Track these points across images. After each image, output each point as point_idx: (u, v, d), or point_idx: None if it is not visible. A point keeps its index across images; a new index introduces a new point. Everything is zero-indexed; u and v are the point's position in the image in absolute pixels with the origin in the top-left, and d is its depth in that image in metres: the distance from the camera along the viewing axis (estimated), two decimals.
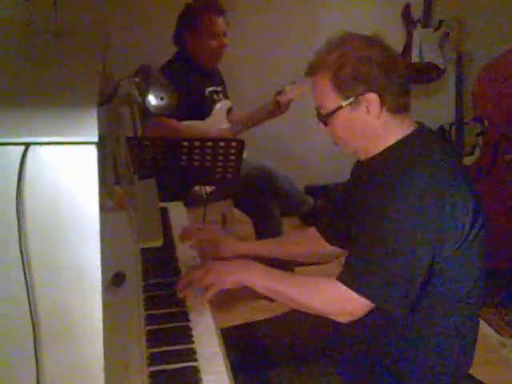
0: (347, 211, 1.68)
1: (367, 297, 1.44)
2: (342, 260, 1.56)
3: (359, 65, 1.47)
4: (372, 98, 1.48)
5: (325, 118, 1.54)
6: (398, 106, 1.51)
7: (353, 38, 1.53)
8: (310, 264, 2.17)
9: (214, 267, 1.62)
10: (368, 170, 1.60)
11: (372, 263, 1.44)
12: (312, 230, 1.88)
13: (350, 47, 1.50)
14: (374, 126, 1.52)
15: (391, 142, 1.53)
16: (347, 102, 1.50)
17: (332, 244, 1.83)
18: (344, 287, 1.46)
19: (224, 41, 3.10)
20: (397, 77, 1.50)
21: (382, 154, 1.55)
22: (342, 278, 1.47)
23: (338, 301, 1.49)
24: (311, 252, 1.88)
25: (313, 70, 1.54)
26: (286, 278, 1.59)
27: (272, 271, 1.61)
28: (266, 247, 1.94)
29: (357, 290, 1.44)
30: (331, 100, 1.51)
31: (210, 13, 3.05)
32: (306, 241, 1.89)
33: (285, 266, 3.11)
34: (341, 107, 1.50)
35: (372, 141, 1.55)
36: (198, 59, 3.11)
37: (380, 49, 1.50)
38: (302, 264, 2.78)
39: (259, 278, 1.56)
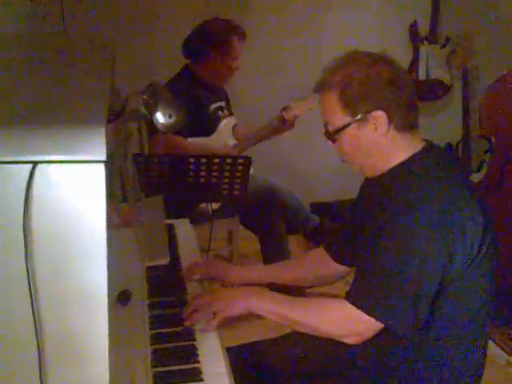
0: (355, 229, 1.67)
1: (376, 317, 1.43)
2: (350, 279, 1.55)
3: (366, 82, 1.47)
4: (379, 115, 1.48)
5: (332, 135, 1.55)
6: (405, 123, 1.51)
7: (360, 55, 1.54)
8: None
9: (222, 294, 1.62)
10: (377, 188, 1.59)
11: (381, 283, 1.43)
12: (318, 251, 1.87)
13: (357, 65, 1.50)
14: (381, 144, 1.52)
15: (400, 159, 1.53)
16: (354, 120, 1.50)
17: (340, 263, 1.80)
18: (353, 308, 1.44)
19: (238, 63, 3.13)
20: (404, 94, 1.50)
21: (391, 171, 1.54)
22: (350, 299, 1.46)
23: (346, 322, 1.48)
24: (317, 274, 1.86)
25: (321, 87, 1.54)
26: (293, 302, 1.58)
27: (279, 297, 1.60)
28: (272, 273, 1.92)
29: (366, 310, 1.43)
30: (339, 117, 1.52)
31: (236, 36, 3.08)
32: (312, 263, 1.87)
33: (296, 289, 3.12)
34: (348, 124, 1.51)
35: (379, 158, 1.54)
36: (210, 76, 3.12)
37: (387, 66, 1.50)
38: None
39: (267, 305, 1.56)
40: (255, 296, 1.59)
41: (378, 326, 1.44)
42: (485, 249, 1.45)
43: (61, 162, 0.89)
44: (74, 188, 0.91)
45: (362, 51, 1.55)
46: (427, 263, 1.40)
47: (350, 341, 1.48)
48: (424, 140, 1.57)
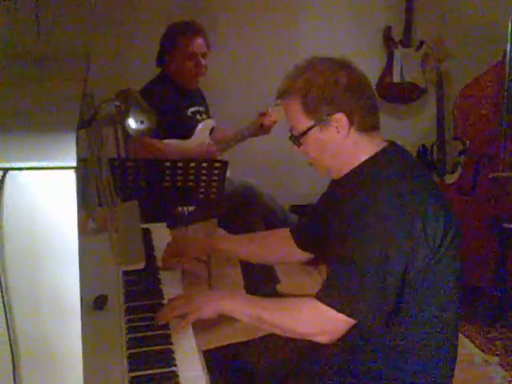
0: (320, 224, 1.74)
1: (346, 313, 1.46)
2: (322, 272, 1.59)
3: (326, 87, 1.53)
4: (340, 118, 1.53)
5: (297, 139, 1.60)
6: (366, 124, 1.57)
7: (320, 61, 1.59)
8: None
9: (195, 296, 1.63)
10: (341, 189, 1.65)
11: (347, 280, 1.47)
12: (284, 232, 1.93)
13: (317, 70, 1.56)
14: (344, 145, 1.57)
15: (362, 160, 1.58)
16: (317, 123, 1.55)
17: (302, 249, 1.88)
18: (323, 306, 1.48)
19: (202, 62, 3.12)
20: (363, 97, 1.56)
21: (352, 171, 1.59)
22: (320, 297, 1.49)
23: (318, 321, 1.51)
24: (279, 253, 1.95)
25: (283, 94, 1.60)
26: (265, 304, 1.60)
27: (252, 299, 1.66)
28: (240, 245, 1.98)
29: (336, 307, 1.47)
30: (302, 122, 1.57)
31: (187, 34, 3.08)
32: (277, 242, 1.95)
33: (268, 283, 3.14)
34: (311, 128, 1.56)
35: (343, 159, 1.59)
36: (178, 80, 3.13)
37: (346, 71, 1.56)
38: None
39: (239, 307, 1.58)
40: (228, 298, 1.60)
41: (349, 322, 1.47)
42: (446, 245, 1.49)
43: (31, 168, 0.89)
44: (45, 194, 0.91)
45: (321, 57, 1.60)
46: (390, 259, 1.44)
47: (322, 339, 1.51)
48: (386, 140, 1.62)
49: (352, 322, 1.47)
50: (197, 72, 3.13)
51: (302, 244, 1.88)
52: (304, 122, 1.57)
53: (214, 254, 2.85)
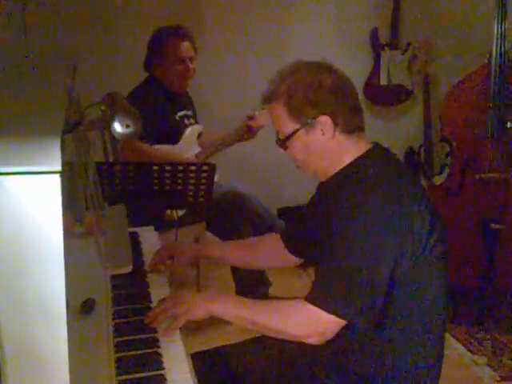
0: (309, 227, 1.75)
1: (337, 314, 1.47)
2: (312, 274, 1.59)
3: (310, 90, 1.55)
4: (325, 120, 1.55)
5: (283, 142, 1.62)
6: (351, 126, 1.59)
7: (303, 65, 1.61)
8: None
9: (185, 297, 1.63)
10: (327, 190, 1.67)
11: (336, 281, 1.48)
12: (274, 237, 1.94)
13: (300, 74, 1.58)
14: (329, 147, 1.59)
15: (347, 161, 1.60)
16: (302, 126, 1.57)
17: (292, 254, 1.89)
18: (314, 308, 1.48)
19: (190, 66, 3.12)
20: (347, 99, 1.58)
21: (338, 173, 1.61)
22: (310, 299, 1.50)
23: (309, 323, 1.51)
24: (273, 258, 1.95)
25: (268, 99, 1.62)
26: (256, 306, 1.62)
27: (242, 300, 1.66)
28: (230, 252, 1.99)
29: (326, 308, 1.47)
30: (287, 125, 1.59)
31: (174, 38, 3.09)
32: (267, 247, 1.95)
33: (259, 286, 3.15)
34: (296, 131, 1.58)
35: (329, 161, 1.61)
36: (166, 84, 3.13)
37: (329, 74, 1.58)
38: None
39: (229, 309, 1.58)
40: (218, 300, 1.61)
41: (340, 323, 1.48)
42: (432, 244, 1.51)
43: (16, 173, 0.89)
44: (30, 199, 0.91)
45: (305, 61, 1.62)
46: (377, 259, 1.46)
47: (313, 341, 1.51)
48: (372, 142, 1.64)
49: (342, 322, 1.48)
50: (185, 76, 3.13)
51: (292, 248, 1.88)
52: (289, 126, 1.58)
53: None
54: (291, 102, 1.56)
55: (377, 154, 1.62)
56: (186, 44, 3.10)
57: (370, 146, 1.62)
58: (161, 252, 1.95)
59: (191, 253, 2.01)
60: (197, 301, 1.62)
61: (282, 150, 1.64)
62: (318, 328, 1.50)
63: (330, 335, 1.50)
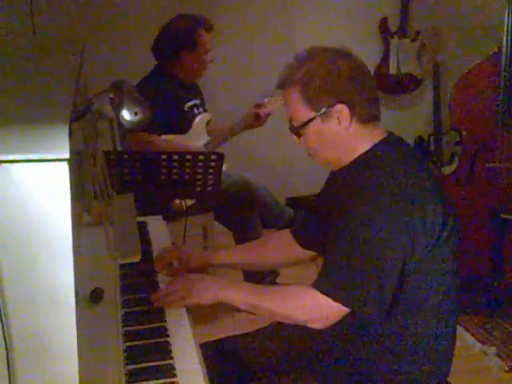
0: (321, 218, 1.72)
1: (343, 302, 1.46)
2: (319, 263, 1.58)
3: (327, 78, 1.51)
4: (341, 109, 1.52)
5: (297, 130, 1.58)
6: (367, 115, 1.55)
7: (321, 51, 1.57)
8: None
9: (194, 281, 1.64)
10: (341, 179, 1.64)
11: (345, 269, 1.47)
12: (284, 234, 1.91)
13: (318, 60, 1.53)
14: (344, 136, 1.55)
15: (362, 151, 1.57)
16: (318, 114, 1.53)
17: (305, 248, 1.86)
18: (319, 294, 1.48)
19: (210, 56, 3.13)
20: (365, 87, 1.54)
21: (353, 163, 1.58)
22: (317, 285, 1.50)
23: (313, 308, 1.52)
24: (283, 256, 1.92)
25: (283, 84, 1.58)
26: (262, 291, 1.63)
27: (249, 286, 1.67)
28: (239, 257, 1.96)
29: (332, 295, 1.47)
30: (302, 112, 1.55)
31: (204, 29, 3.07)
32: (278, 245, 1.92)
33: (267, 276, 3.15)
34: (312, 119, 1.54)
35: (344, 150, 1.58)
36: (179, 74, 3.11)
37: (347, 61, 1.53)
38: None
39: (237, 293, 1.59)
40: (225, 285, 1.62)
41: (344, 310, 1.48)
42: (445, 235, 1.49)
43: (24, 161, 0.89)
44: (38, 187, 0.91)
45: (322, 47, 1.58)
46: (389, 249, 1.44)
47: (315, 326, 1.52)
48: (386, 131, 1.61)
49: (347, 310, 1.47)
50: (205, 67, 3.14)
51: (304, 242, 1.86)
52: (305, 113, 1.54)
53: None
54: (308, 89, 1.51)
55: (391, 143, 1.59)
56: (211, 35, 3.10)
57: (384, 135, 1.59)
58: (169, 252, 1.90)
59: (199, 261, 1.92)
60: (206, 287, 1.62)
61: (294, 137, 1.60)
62: (322, 314, 1.50)
63: (333, 321, 1.50)
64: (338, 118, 1.52)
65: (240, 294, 1.59)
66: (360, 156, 1.57)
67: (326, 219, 1.66)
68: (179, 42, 3.07)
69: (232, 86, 3.98)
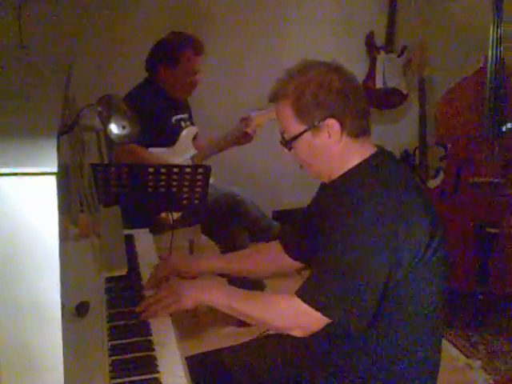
0: (310, 229, 1.73)
1: (323, 312, 1.47)
2: (305, 276, 1.59)
3: (318, 92, 1.52)
4: (332, 123, 1.53)
5: (288, 143, 1.59)
6: (357, 130, 1.56)
7: (312, 65, 1.58)
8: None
9: (175, 287, 1.65)
10: (330, 192, 1.65)
11: (328, 279, 1.48)
12: (273, 245, 1.92)
13: (309, 75, 1.54)
14: (335, 150, 1.56)
15: (352, 164, 1.58)
16: (309, 128, 1.54)
17: (294, 259, 1.87)
18: (301, 302, 1.49)
19: (197, 78, 3.12)
20: (356, 102, 1.55)
21: (342, 176, 1.60)
22: (299, 294, 1.51)
23: (294, 315, 1.53)
24: (271, 266, 1.93)
25: (275, 98, 1.59)
26: (244, 296, 1.63)
27: (232, 290, 1.69)
28: (228, 264, 1.96)
29: (313, 304, 1.48)
30: (293, 126, 1.56)
31: (191, 51, 3.06)
32: (267, 256, 1.93)
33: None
34: (303, 133, 1.55)
35: (334, 164, 1.59)
36: (168, 89, 3.12)
37: (338, 75, 1.54)
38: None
39: (219, 298, 1.60)
40: (208, 289, 1.63)
41: (325, 320, 1.48)
42: (432, 249, 1.50)
43: (11, 174, 0.89)
44: (26, 200, 0.91)
45: (314, 61, 1.59)
46: (374, 263, 1.45)
47: (295, 333, 1.53)
48: (376, 145, 1.63)
49: (327, 320, 1.48)
50: (192, 87, 3.13)
51: (292, 252, 1.86)
52: (296, 127, 1.56)
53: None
54: (299, 103, 1.53)
55: (381, 158, 1.60)
56: (200, 58, 3.09)
57: (375, 149, 1.61)
58: (161, 268, 1.88)
59: (194, 267, 1.91)
60: (186, 290, 1.63)
61: (285, 150, 1.61)
62: (302, 322, 1.51)
63: (314, 330, 1.51)
64: (328, 132, 1.54)
65: (221, 297, 1.60)
66: (350, 170, 1.58)
67: (315, 230, 1.67)
68: (160, 56, 3.08)
69: (220, 99, 3.99)
